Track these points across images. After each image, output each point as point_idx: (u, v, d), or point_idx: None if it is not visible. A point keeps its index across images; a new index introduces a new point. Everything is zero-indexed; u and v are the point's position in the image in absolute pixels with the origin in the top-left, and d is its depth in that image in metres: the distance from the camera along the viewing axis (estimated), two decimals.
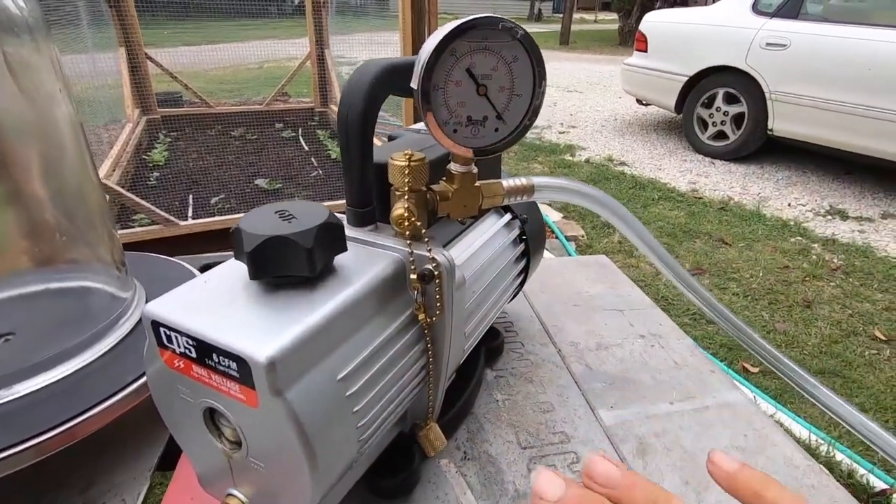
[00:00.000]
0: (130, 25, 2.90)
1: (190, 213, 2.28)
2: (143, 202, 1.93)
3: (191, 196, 2.42)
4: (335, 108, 3.36)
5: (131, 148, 2.61)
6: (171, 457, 0.45)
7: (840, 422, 0.50)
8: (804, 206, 2.86)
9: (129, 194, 1.95)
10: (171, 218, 1.97)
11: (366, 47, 3.15)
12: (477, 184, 0.37)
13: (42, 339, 0.45)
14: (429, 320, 0.34)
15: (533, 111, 0.35)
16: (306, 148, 3.16)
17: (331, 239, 0.30)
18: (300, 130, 3.44)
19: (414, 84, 0.32)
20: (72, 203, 0.44)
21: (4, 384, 0.40)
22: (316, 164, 2.89)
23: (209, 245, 1.96)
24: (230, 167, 2.81)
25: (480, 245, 0.44)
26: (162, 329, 0.28)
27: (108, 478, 0.41)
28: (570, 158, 3.65)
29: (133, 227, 1.99)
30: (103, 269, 0.47)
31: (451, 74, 0.32)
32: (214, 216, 2.13)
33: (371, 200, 0.37)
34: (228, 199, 2.41)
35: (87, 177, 0.44)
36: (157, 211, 1.94)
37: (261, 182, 2.61)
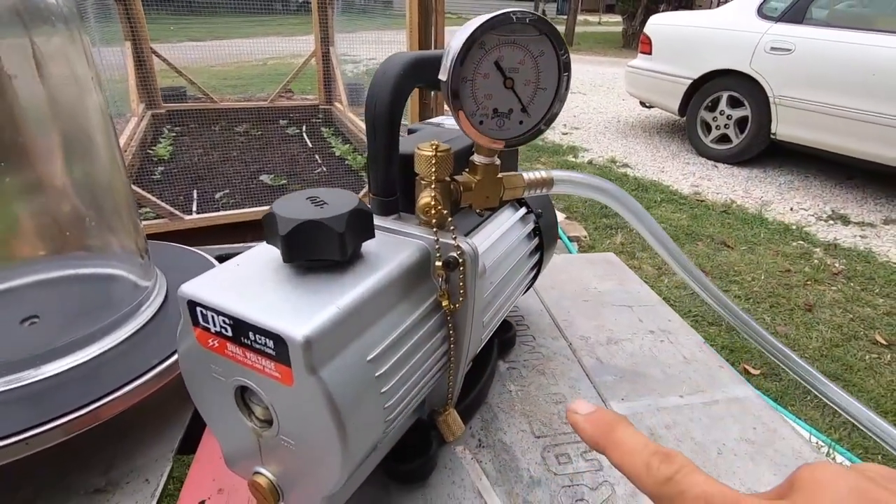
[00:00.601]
0: (137, 20, 2.91)
1: (194, 208, 2.29)
2: (148, 195, 1.94)
3: (195, 191, 2.42)
4: (339, 106, 3.37)
5: (136, 142, 2.62)
6: (191, 441, 0.45)
7: (847, 417, 0.51)
8: (806, 210, 2.87)
9: (134, 187, 1.96)
10: (176, 212, 1.98)
11: (371, 46, 3.16)
12: (499, 175, 0.38)
13: (66, 324, 0.46)
14: (452, 307, 0.35)
15: (549, 117, 0.36)
16: (310, 145, 3.16)
17: (361, 225, 0.31)
18: (304, 127, 3.44)
19: (443, 76, 0.32)
20: (100, 190, 0.45)
21: (31, 365, 0.41)
22: (320, 161, 2.89)
23: (213, 239, 1.97)
24: (234, 163, 2.82)
25: (498, 237, 0.45)
26: (198, 308, 0.29)
27: (130, 459, 0.42)
28: (573, 160, 3.66)
29: (141, 224, 2.00)
30: (127, 256, 0.48)
31: (480, 67, 0.33)
32: (219, 211, 2.13)
33: (395, 190, 0.38)
34: (233, 195, 2.42)
35: (116, 164, 0.45)
36: (162, 205, 1.95)
37: (265, 178, 2.62)
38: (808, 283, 2.15)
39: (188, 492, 0.40)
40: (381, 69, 0.37)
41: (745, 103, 3.29)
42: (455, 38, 0.32)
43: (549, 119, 0.36)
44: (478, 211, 0.43)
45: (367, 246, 0.34)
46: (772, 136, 3.22)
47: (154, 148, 2.85)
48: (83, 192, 0.44)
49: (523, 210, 0.52)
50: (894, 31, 2.73)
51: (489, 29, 0.31)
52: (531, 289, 0.66)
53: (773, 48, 3.10)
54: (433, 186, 0.35)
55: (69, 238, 0.45)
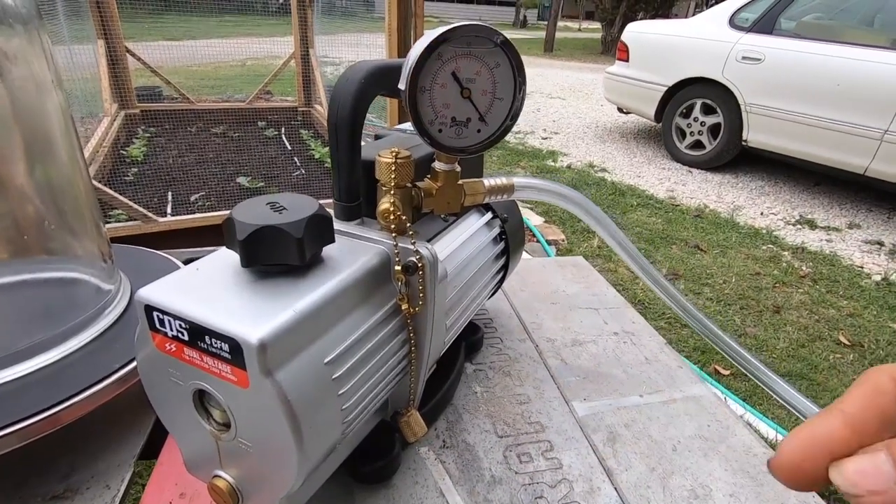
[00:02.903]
0: (110, 18, 2.85)
1: (169, 210, 2.25)
2: (120, 197, 1.90)
3: (170, 193, 2.38)
4: (319, 109, 3.35)
5: (108, 143, 2.57)
6: (154, 446, 0.45)
7: (798, 414, 0.53)
8: (776, 215, 2.96)
9: (106, 189, 1.92)
10: (150, 214, 1.95)
11: (351, 49, 3.15)
12: (460, 182, 0.39)
13: (26, 327, 0.45)
14: (412, 311, 0.36)
15: (513, 115, 0.37)
16: (289, 147, 3.14)
17: (320, 230, 0.32)
18: (283, 129, 3.42)
19: (402, 85, 0.33)
20: (60, 193, 0.44)
21: None
22: (298, 164, 2.87)
23: (188, 242, 1.93)
24: (211, 164, 2.78)
25: (462, 242, 0.46)
26: (155, 313, 0.29)
27: (91, 465, 0.42)
28: (553, 164, 3.70)
29: (110, 222, 1.96)
30: (89, 259, 0.48)
31: (437, 77, 0.33)
32: (195, 213, 2.10)
33: (358, 195, 0.39)
34: (209, 197, 2.39)
35: (77, 166, 0.45)
36: (135, 206, 1.92)
37: (242, 180, 2.59)
38: (777, 285, 2.22)
39: (149, 497, 0.40)
40: (343, 76, 0.37)
41: (718, 110, 3.39)
42: (413, 48, 0.33)
43: (512, 117, 0.37)
44: (442, 216, 0.44)
45: (328, 250, 0.34)
46: (743, 143, 3.31)
47: (127, 149, 2.79)
48: (43, 195, 0.43)
49: (489, 215, 0.53)
50: (858, 43, 2.84)
51: (444, 40, 0.32)
52: (501, 291, 0.67)
53: (744, 57, 3.20)
54: (393, 192, 0.35)
55: (28, 241, 0.44)
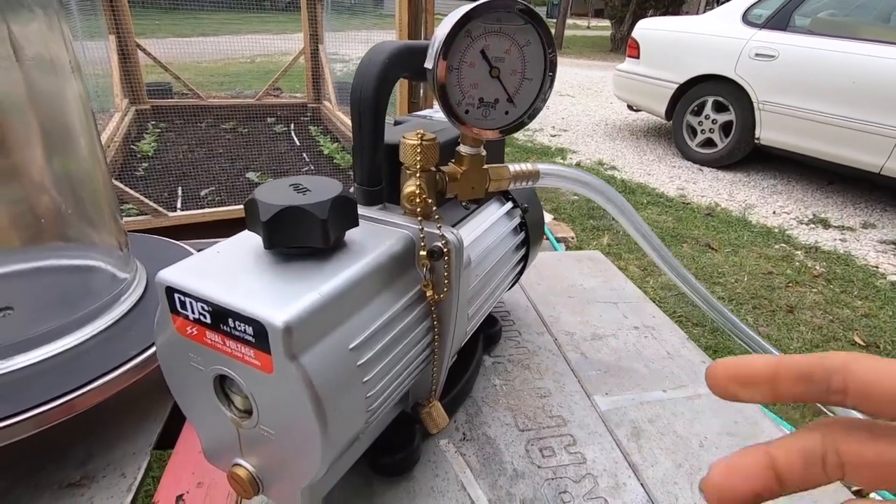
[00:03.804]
0: (122, 14, 2.86)
1: (179, 205, 2.25)
2: (131, 191, 1.90)
3: (180, 188, 2.39)
4: (328, 105, 3.35)
5: (119, 137, 2.57)
6: (170, 436, 0.45)
7: (826, 413, 0.52)
8: (788, 213, 2.92)
9: (117, 183, 1.92)
10: (160, 209, 1.95)
11: (361, 45, 3.15)
12: (485, 166, 0.38)
13: (42, 314, 0.44)
14: (436, 297, 0.35)
15: (532, 111, 0.36)
16: (298, 143, 3.14)
17: (344, 212, 0.31)
18: (292, 125, 3.42)
19: (429, 64, 0.32)
20: (78, 181, 0.44)
21: (3, 356, 0.40)
22: (308, 160, 2.87)
23: (198, 237, 1.94)
24: (220, 160, 2.78)
25: (484, 230, 0.45)
26: (176, 295, 0.28)
27: (107, 453, 0.41)
28: (562, 161, 3.68)
29: (121, 216, 1.96)
30: (106, 247, 0.47)
31: (466, 56, 0.32)
32: (204, 208, 2.10)
33: (380, 180, 0.38)
34: (218, 192, 2.39)
35: (94, 153, 0.44)
36: (146, 201, 1.92)
37: (251, 175, 2.59)
38: (790, 284, 2.19)
39: (166, 486, 0.39)
40: (367, 57, 0.36)
41: (730, 108, 3.34)
42: (441, 26, 0.32)
43: (532, 113, 0.36)
44: (464, 203, 0.43)
45: (351, 234, 0.33)
46: (756, 141, 3.27)
47: (138, 144, 2.80)
48: (60, 181, 0.43)
49: (510, 204, 0.52)
50: (873, 39, 2.80)
51: (474, 16, 0.31)
52: (517, 285, 0.66)
53: (757, 54, 3.15)
54: (418, 176, 0.34)
55: (45, 228, 0.44)
